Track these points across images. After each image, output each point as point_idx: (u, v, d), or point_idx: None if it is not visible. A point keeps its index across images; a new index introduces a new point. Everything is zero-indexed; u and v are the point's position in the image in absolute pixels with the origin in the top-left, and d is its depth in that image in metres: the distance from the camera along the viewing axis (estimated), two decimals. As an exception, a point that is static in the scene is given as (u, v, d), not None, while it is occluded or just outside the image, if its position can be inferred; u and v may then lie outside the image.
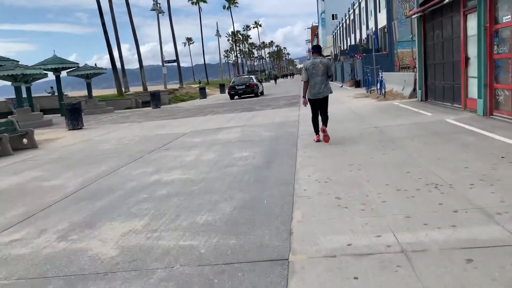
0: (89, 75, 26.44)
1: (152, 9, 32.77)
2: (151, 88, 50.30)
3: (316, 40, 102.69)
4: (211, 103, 28.42)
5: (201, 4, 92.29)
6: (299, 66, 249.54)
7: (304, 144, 8.38)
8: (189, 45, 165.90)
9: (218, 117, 16.87)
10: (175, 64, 45.56)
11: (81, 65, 26.71)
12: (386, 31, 28.06)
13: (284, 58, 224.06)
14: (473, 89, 10.35)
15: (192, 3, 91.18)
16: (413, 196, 4.49)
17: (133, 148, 10.48)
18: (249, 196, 5.19)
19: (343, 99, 18.82)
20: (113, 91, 46.05)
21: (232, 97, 28.93)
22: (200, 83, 58.13)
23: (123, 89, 38.75)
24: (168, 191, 5.84)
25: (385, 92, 16.60)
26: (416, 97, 15.53)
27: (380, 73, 17.84)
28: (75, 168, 8.40)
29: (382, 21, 29.92)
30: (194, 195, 5.51)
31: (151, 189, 6.06)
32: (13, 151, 11.32)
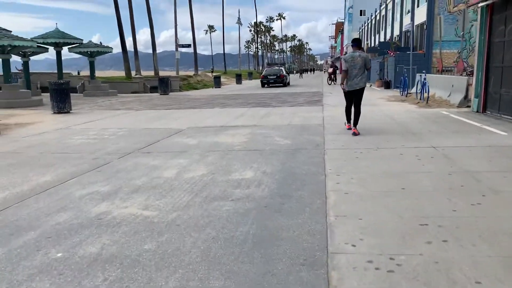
0: (92, 53, 24.13)
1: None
2: (165, 73, 47.98)
3: (340, 36, 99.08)
4: (224, 93, 25.91)
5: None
6: (319, 62, 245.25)
7: (336, 167, 5.79)
8: (210, 33, 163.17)
9: (227, 111, 14.34)
10: (192, 50, 43.05)
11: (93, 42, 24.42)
12: (425, 28, 25.06)
13: (305, 53, 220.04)
14: None
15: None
16: None
17: (108, 146, 8.03)
18: (239, 288, 2.65)
19: (375, 101, 16.07)
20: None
21: (263, 85, 31.50)
22: (212, 71, 55.73)
23: (134, 72, 36.47)
24: (101, 249, 3.33)
25: (428, 97, 13.82)
26: (467, 106, 12.74)
27: (422, 74, 15.04)
28: (10, 172, 5.97)
29: (420, 17, 26.86)
30: (138, 267, 2.99)
31: (76, 239, 3.56)
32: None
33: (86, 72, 36.29)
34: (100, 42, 25.08)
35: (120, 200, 4.60)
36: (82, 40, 24.29)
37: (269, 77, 31.60)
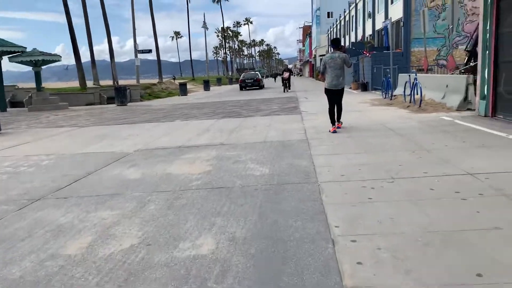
0: (37, 62, 21.34)
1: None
2: (129, 82, 45.08)
3: (308, 39, 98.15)
4: (190, 102, 23.61)
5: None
6: (288, 66, 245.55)
7: (344, 220, 3.69)
8: (176, 39, 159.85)
9: (190, 124, 12.10)
10: (155, 56, 40.45)
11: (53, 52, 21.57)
12: (401, 24, 23.56)
13: (274, 58, 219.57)
14: None
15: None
16: None
17: (14, 186, 5.71)
18: None
19: (358, 106, 14.20)
20: (90, 83, 40.66)
21: (241, 88, 35.11)
22: (174, 78, 53.47)
23: (91, 82, 33.60)
24: None
25: (421, 100, 12.01)
26: (468, 109, 11.01)
27: (412, 75, 13.30)
28: None
29: (395, 14, 25.44)
30: None
31: None
32: None
33: (49, 83, 33.09)
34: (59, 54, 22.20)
35: None
36: (25, 48, 21.47)
37: (246, 81, 35.61)
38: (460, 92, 11.34)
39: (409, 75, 13.39)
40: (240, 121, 11.98)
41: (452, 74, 13.38)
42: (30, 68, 22.28)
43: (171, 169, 6.28)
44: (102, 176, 6.11)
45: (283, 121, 11.43)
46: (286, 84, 27.81)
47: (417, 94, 12.50)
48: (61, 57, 22.24)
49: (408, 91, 13.59)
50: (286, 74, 28.41)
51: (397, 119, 10.24)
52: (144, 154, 7.72)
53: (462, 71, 13.20)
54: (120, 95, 22.77)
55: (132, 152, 8.01)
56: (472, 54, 14.32)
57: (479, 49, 9.81)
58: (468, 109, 11.03)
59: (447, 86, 12.24)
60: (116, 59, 33.19)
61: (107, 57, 35.82)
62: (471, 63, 14.03)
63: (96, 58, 33.77)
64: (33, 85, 23.54)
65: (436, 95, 12.67)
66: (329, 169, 5.59)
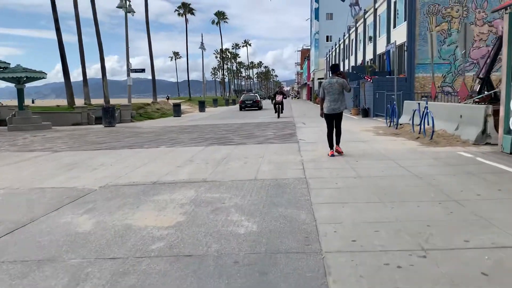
0: (20, 79, 20.13)
1: (118, 6, 26.81)
2: (123, 101, 43.99)
3: (307, 62, 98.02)
4: (181, 124, 22.37)
5: (190, 17, 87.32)
6: (286, 88, 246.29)
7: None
8: (175, 59, 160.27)
9: (174, 152, 10.80)
10: (150, 76, 39.43)
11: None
12: (405, 49, 22.62)
13: (272, 80, 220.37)
14: None
15: (179, 14, 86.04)
16: None
17: None
18: None
19: (361, 135, 12.98)
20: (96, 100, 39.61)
21: (241, 109, 37.98)
22: (168, 99, 52.66)
23: (83, 101, 32.45)
24: None
25: (432, 132, 10.78)
26: (487, 143, 9.79)
27: (422, 102, 12.14)
28: None
29: (398, 38, 24.54)
30: None
31: None
32: None
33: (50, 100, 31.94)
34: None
35: None
36: (9, 64, 20.34)
37: (246, 101, 38.57)
38: (477, 124, 10.14)
39: (418, 103, 12.22)
40: (230, 150, 10.69)
41: (466, 103, 12.21)
42: (28, 85, 21.09)
43: (134, 218, 4.95)
44: (45, 226, 4.77)
45: (278, 151, 10.15)
46: (279, 108, 24.32)
47: (427, 124, 11.29)
48: (46, 74, 21.05)
49: (416, 120, 12.40)
50: (279, 97, 24.37)
51: (409, 154, 8.97)
52: (109, 193, 6.39)
53: (477, 100, 12.05)
54: (107, 116, 21.53)
55: (96, 189, 6.67)
56: (484, 81, 13.21)
57: (503, 77, 8.64)
58: (487, 143, 9.81)
59: (461, 116, 11.05)
60: (116, 78, 32.80)
61: (107, 76, 34.84)
62: (484, 91, 12.90)
63: (93, 76, 32.87)
64: (28, 101, 22.35)
65: (448, 126, 11.46)
66: (336, 227, 4.27)
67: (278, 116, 23.74)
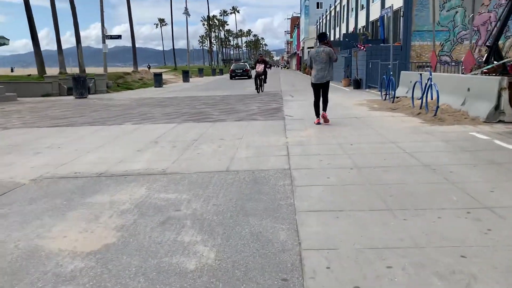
0: (-22, 45, 18.15)
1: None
2: (111, 70, 41.75)
3: (297, 30, 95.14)
4: (160, 95, 20.72)
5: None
6: (275, 58, 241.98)
7: None
8: (161, 26, 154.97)
9: (138, 131, 9.32)
10: (141, 44, 37.21)
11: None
12: (401, 15, 20.98)
13: (261, 49, 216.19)
14: None
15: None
16: None
17: None
18: None
19: (354, 110, 11.59)
20: (75, 70, 37.24)
21: (232, 78, 39.29)
22: (149, 67, 50.63)
23: (58, 70, 30.32)
24: None
25: (437, 108, 9.41)
26: (499, 121, 8.50)
27: (425, 73, 10.74)
28: None
29: (394, 2, 22.82)
30: None
31: None
32: None
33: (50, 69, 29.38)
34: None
35: None
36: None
37: (236, 71, 39.54)
38: (488, 99, 8.79)
39: (420, 74, 10.77)
40: (206, 129, 9.24)
41: (474, 74, 10.81)
42: (13, 53, 19.16)
43: (49, 236, 3.55)
44: None
45: (260, 131, 8.72)
46: (261, 81, 19.93)
47: (431, 98, 9.94)
48: (8, 40, 19.06)
49: (416, 93, 11.02)
50: (260, 67, 19.84)
51: (413, 135, 7.62)
52: (37, 190, 4.96)
53: (485, 71, 10.66)
54: (78, 86, 19.77)
55: (25, 184, 5.23)
56: (492, 50, 11.77)
57: (527, 43, 7.21)
58: (500, 121, 8.51)
59: (468, 89, 9.69)
60: (100, 46, 29.49)
61: (92, 43, 32.79)
62: (493, 61, 11.50)
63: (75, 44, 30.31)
64: (7, 70, 20.36)
65: (453, 101, 10.11)
66: (329, 259, 2.92)
67: (258, 92, 19.66)
